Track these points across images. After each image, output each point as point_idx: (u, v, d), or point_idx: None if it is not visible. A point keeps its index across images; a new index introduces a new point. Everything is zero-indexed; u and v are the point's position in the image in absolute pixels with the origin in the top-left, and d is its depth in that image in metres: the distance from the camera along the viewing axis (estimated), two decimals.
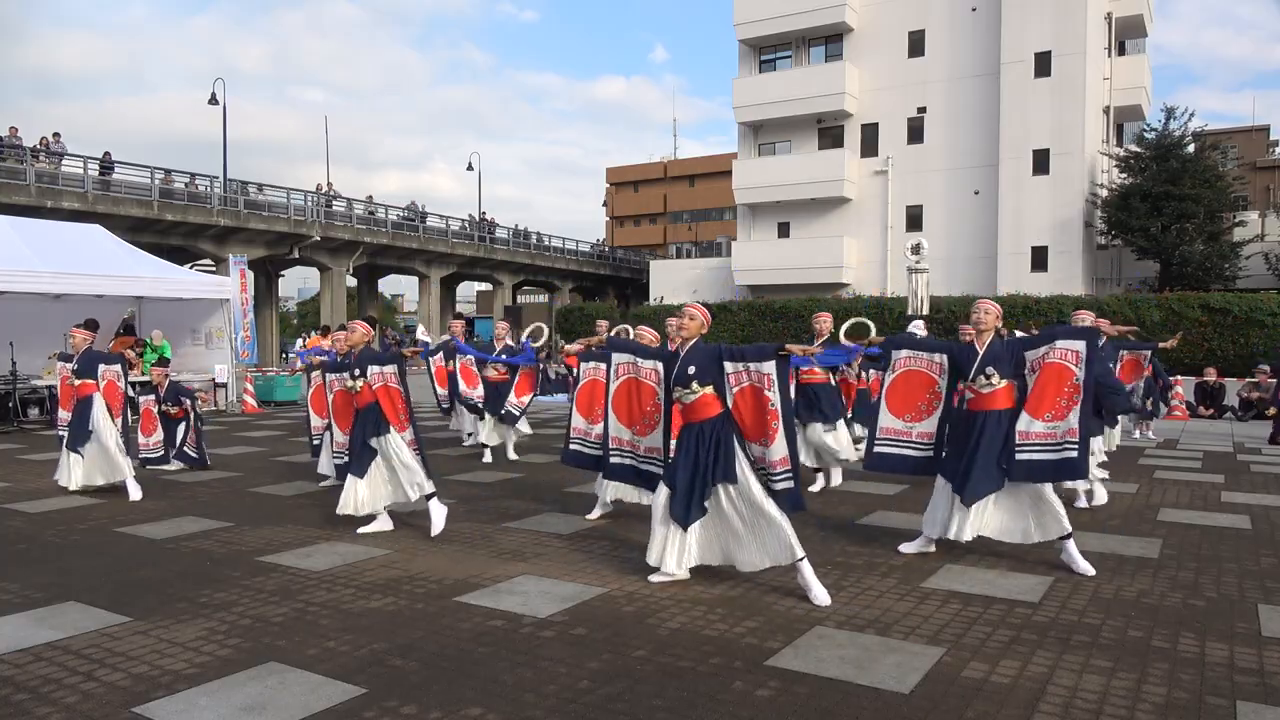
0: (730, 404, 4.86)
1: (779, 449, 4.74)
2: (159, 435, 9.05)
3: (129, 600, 4.65)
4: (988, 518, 5.36)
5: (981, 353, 5.33)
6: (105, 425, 7.76)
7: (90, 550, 5.79)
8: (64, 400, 8.31)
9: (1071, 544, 5.21)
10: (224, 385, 16.02)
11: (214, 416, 14.85)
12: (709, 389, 4.83)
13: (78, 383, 7.89)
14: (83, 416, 7.79)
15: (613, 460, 5.78)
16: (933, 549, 5.64)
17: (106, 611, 4.45)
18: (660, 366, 5.31)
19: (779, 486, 4.75)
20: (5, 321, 13.18)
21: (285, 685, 3.52)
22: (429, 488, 6.10)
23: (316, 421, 8.34)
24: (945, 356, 5.53)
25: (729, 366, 4.84)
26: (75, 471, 7.82)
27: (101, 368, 7.97)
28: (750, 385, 4.80)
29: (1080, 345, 5.16)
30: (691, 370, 4.83)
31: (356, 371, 6.17)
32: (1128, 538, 6.04)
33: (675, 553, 4.86)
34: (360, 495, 6.16)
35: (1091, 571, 5.11)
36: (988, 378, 5.27)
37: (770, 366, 4.73)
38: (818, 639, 4.03)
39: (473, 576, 5.09)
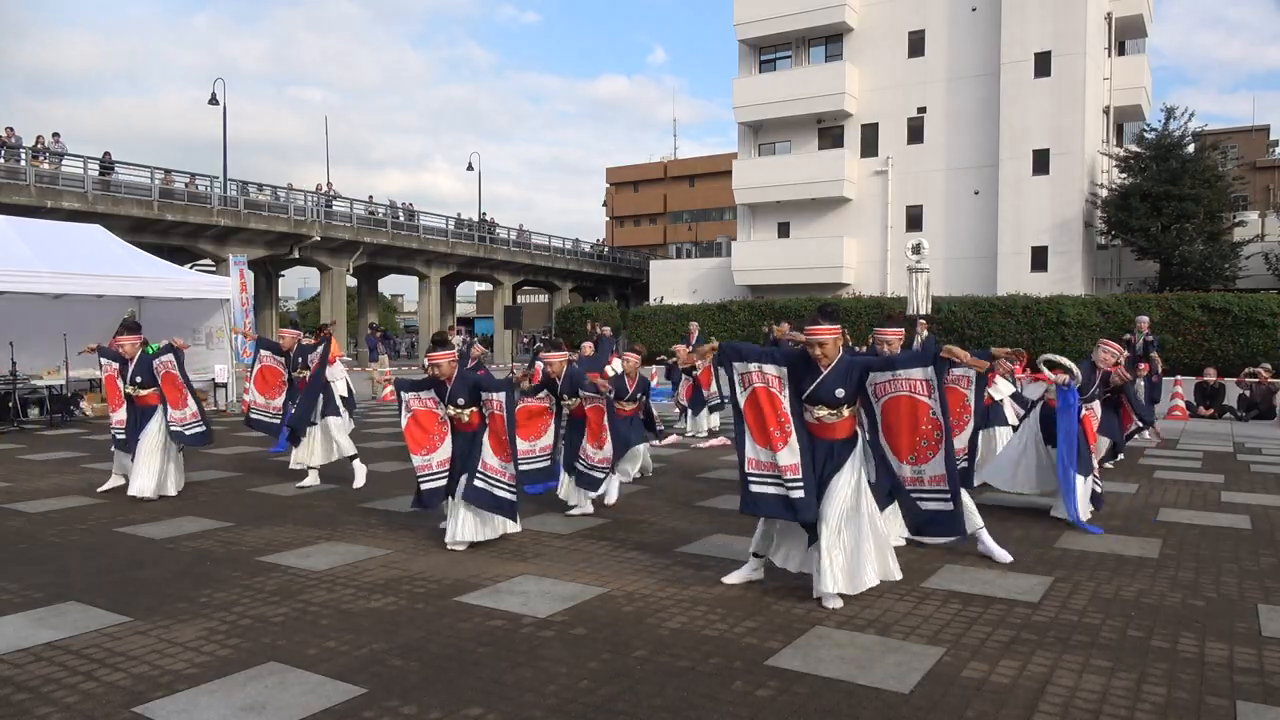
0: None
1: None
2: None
3: (129, 600, 4.65)
4: None
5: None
6: (155, 439, 7.62)
7: (90, 550, 5.79)
8: (113, 399, 8.11)
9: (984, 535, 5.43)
10: (224, 385, 16.02)
11: (215, 416, 14.84)
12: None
13: (143, 393, 7.72)
14: (138, 427, 7.69)
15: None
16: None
17: (106, 611, 4.45)
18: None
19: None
20: (5, 321, 13.18)
21: (285, 685, 3.52)
22: None
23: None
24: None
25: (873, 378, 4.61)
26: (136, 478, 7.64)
27: (156, 364, 7.76)
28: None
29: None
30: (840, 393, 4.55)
31: (461, 401, 5.88)
32: (1128, 538, 6.04)
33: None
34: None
35: (1009, 558, 5.31)
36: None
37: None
38: (818, 639, 4.03)
39: (473, 576, 5.09)
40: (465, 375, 5.97)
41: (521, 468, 6.18)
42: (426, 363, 5.96)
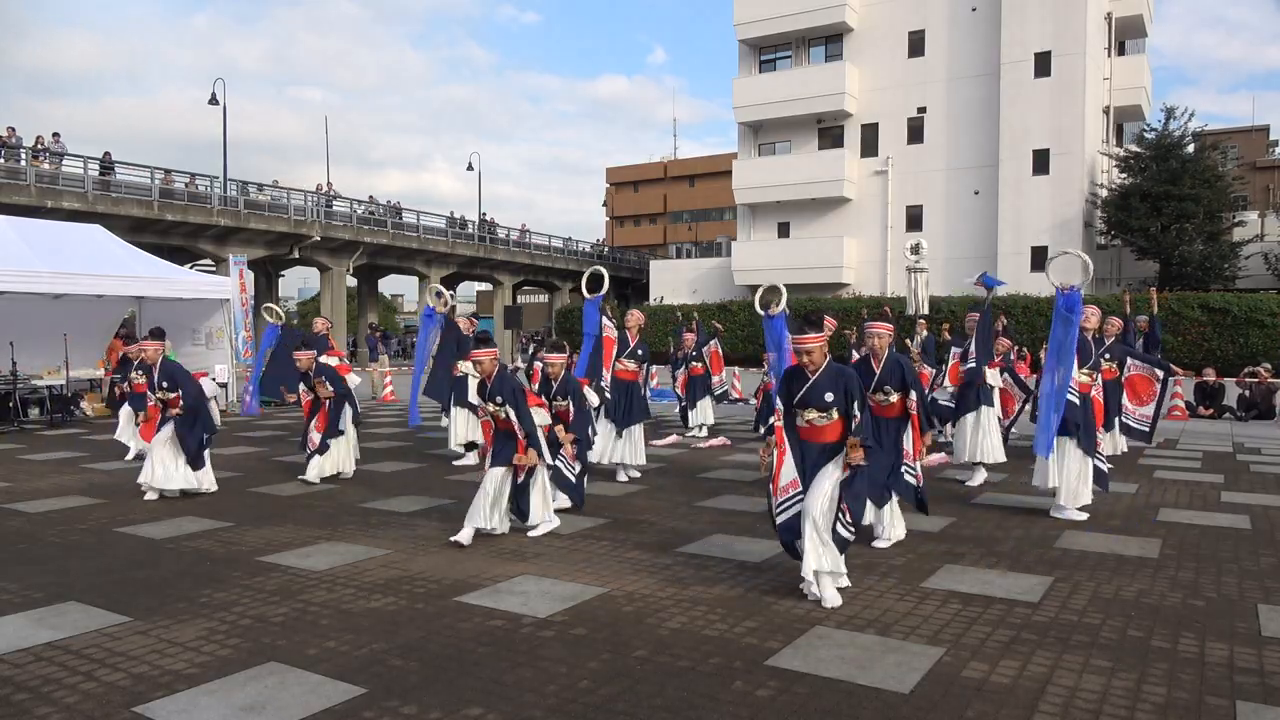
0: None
1: None
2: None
3: (129, 600, 4.65)
4: None
5: (879, 372, 5.75)
6: (167, 432, 7.62)
7: (90, 550, 5.79)
8: (149, 431, 8.08)
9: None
10: (224, 385, 16.01)
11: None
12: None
13: (171, 395, 7.69)
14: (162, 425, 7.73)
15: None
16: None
17: (106, 611, 4.45)
18: None
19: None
20: (5, 321, 13.17)
21: (285, 685, 3.52)
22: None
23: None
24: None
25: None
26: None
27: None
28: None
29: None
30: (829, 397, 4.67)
31: (499, 399, 6.02)
32: (1128, 538, 6.04)
33: None
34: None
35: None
36: (885, 394, 5.73)
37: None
38: (818, 639, 4.03)
39: (473, 576, 5.09)
40: (505, 376, 6.09)
41: None
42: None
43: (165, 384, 7.73)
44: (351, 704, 3.35)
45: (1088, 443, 6.61)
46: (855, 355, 10.20)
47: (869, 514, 5.61)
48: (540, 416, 6.30)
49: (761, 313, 8.21)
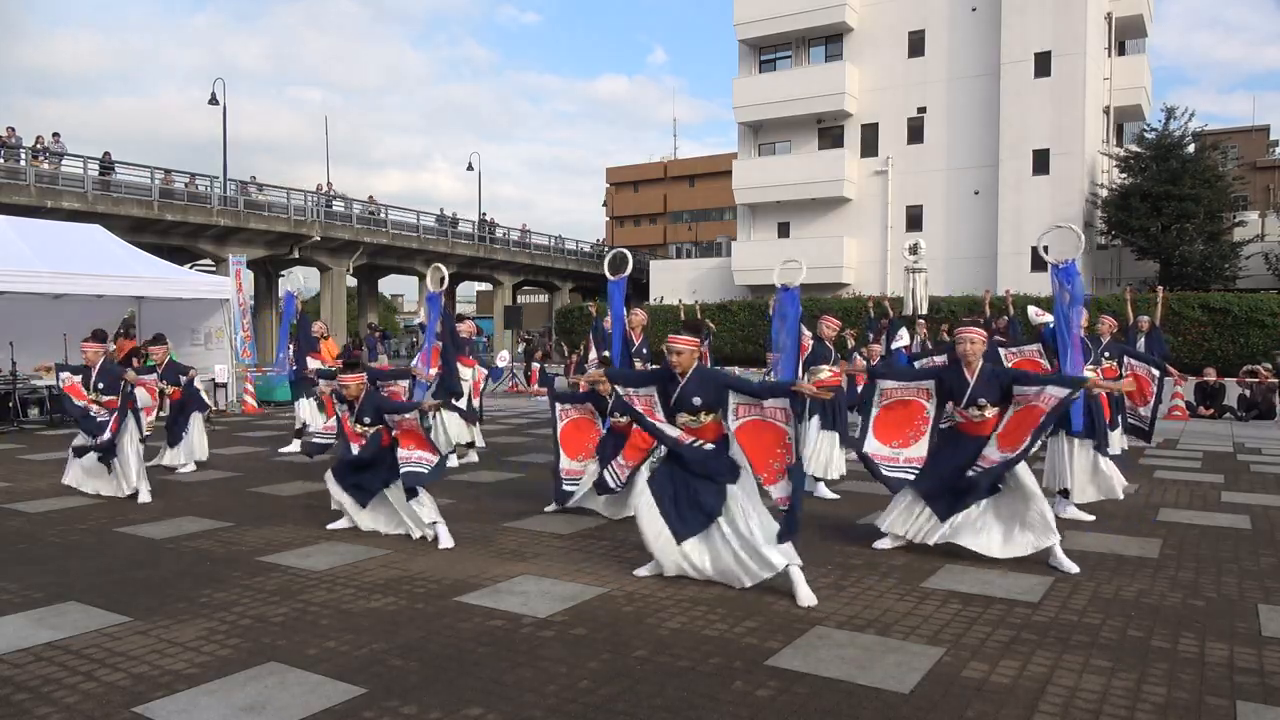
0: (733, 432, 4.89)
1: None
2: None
3: (129, 600, 4.65)
4: (973, 531, 5.46)
5: (973, 383, 5.41)
6: (128, 445, 7.55)
7: (90, 550, 5.79)
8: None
9: (1058, 549, 5.27)
10: (224, 385, 16.01)
11: (216, 417, 14.84)
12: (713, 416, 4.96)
13: (105, 399, 7.72)
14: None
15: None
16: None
17: (106, 611, 4.45)
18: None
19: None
20: (5, 321, 13.17)
21: (285, 685, 3.52)
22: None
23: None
24: (933, 383, 5.63)
25: (734, 399, 4.85)
26: (77, 473, 7.75)
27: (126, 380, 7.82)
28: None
29: (1063, 393, 5.11)
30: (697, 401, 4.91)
31: (367, 420, 6.23)
32: (1128, 538, 6.04)
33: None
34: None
35: (1076, 569, 5.17)
36: (980, 408, 5.42)
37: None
38: (818, 639, 4.03)
39: (473, 576, 5.09)
40: (371, 396, 6.25)
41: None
42: (335, 384, 6.29)
43: (101, 385, 7.74)
44: (351, 704, 3.35)
45: (1102, 443, 6.66)
46: (858, 356, 10.15)
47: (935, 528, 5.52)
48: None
49: (778, 285, 8.28)
